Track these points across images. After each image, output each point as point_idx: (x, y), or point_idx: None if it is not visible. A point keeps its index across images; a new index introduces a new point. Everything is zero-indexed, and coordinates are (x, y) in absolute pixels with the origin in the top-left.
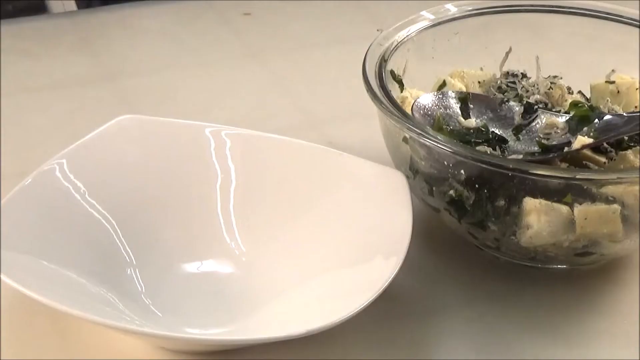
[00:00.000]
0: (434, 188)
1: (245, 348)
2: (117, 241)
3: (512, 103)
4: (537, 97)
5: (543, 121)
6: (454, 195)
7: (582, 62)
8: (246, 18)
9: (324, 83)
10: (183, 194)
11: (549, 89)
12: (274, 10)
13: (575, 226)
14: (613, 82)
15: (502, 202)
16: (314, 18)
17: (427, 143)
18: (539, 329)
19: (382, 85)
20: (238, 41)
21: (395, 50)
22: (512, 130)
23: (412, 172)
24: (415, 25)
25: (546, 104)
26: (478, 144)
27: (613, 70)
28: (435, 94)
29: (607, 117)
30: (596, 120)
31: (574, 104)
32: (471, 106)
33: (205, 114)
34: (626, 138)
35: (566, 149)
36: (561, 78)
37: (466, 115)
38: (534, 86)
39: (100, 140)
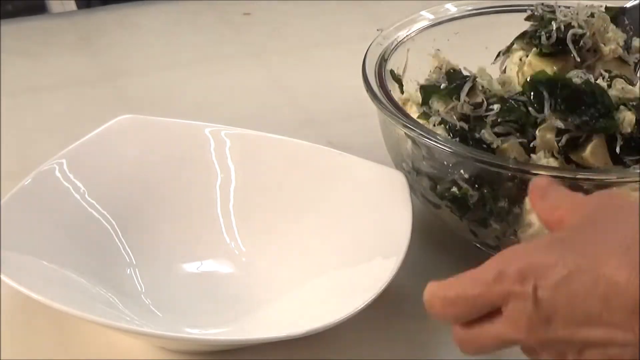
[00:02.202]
0: (438, 185)
1: (245, 348)
2: (117, 241)
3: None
4: (577, 30)
5: None
6: (457, 193)
7: None
8: (246, 18)
9: (324, 83)
10: (183, 194)
11: (589, 16)
12: (274, 10)
13: None
14: None
15: (502, 201)
16: (314, 18)
17: (427, 143)
18: None
19: (382, 85)
20: (238, 41)
21: (395, 50)
22: None
23: (413, 171)
24: (415, 25)
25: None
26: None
27: None
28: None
29: None
30: None
31: None
32: None
33: (205, 114)
34: None
35: None
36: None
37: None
38: (572, 13)
39: (100, 140)
